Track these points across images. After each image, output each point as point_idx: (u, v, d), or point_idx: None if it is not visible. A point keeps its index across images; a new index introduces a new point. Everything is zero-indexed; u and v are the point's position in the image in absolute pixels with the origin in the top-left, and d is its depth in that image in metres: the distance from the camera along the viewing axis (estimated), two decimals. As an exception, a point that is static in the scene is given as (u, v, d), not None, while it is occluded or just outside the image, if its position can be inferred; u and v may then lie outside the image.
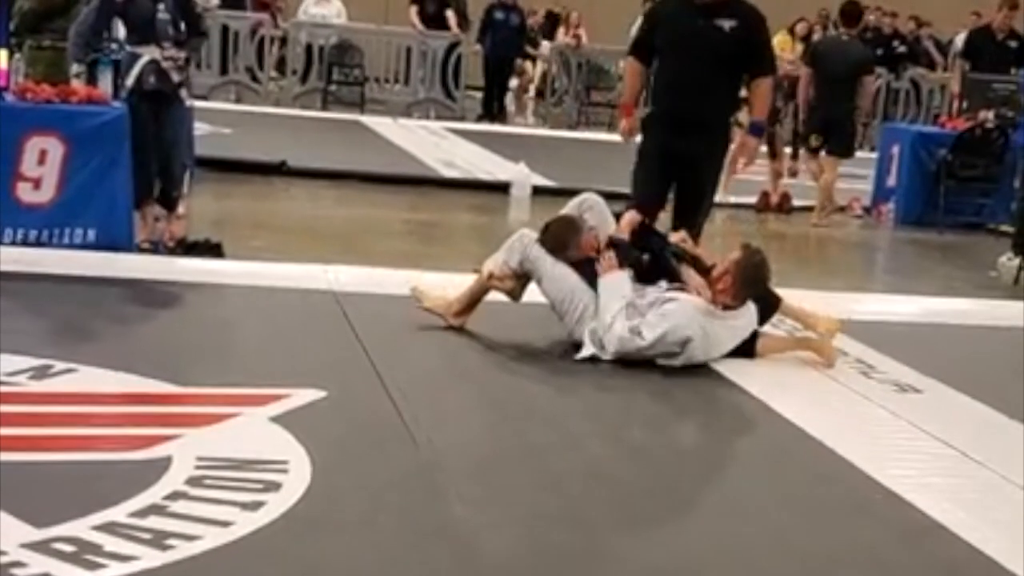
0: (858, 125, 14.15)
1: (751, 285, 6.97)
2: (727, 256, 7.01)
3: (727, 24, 7.69)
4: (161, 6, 8.32)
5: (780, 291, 7.53)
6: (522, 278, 7.11)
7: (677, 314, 6.69)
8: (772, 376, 6.78)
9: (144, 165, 8.50)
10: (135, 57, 8.37)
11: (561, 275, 6.94)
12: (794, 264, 10.54)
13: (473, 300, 7.16)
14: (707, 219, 8.22)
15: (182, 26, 8.40)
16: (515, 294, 7.17)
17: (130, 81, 8.38)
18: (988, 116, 13.06)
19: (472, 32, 20.14)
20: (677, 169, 7.86)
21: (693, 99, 7.75)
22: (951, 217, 12.74)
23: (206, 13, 8.84)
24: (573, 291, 6.90)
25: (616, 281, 6.86)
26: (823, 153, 12.84)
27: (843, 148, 12.95)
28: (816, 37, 18.77)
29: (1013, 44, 14.60)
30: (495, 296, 7.57)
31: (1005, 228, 12.14)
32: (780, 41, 17.49)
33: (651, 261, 7.07)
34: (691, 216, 7.90)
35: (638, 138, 8.15)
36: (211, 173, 10.08)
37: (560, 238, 7.09)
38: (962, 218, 12.79)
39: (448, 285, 7.36)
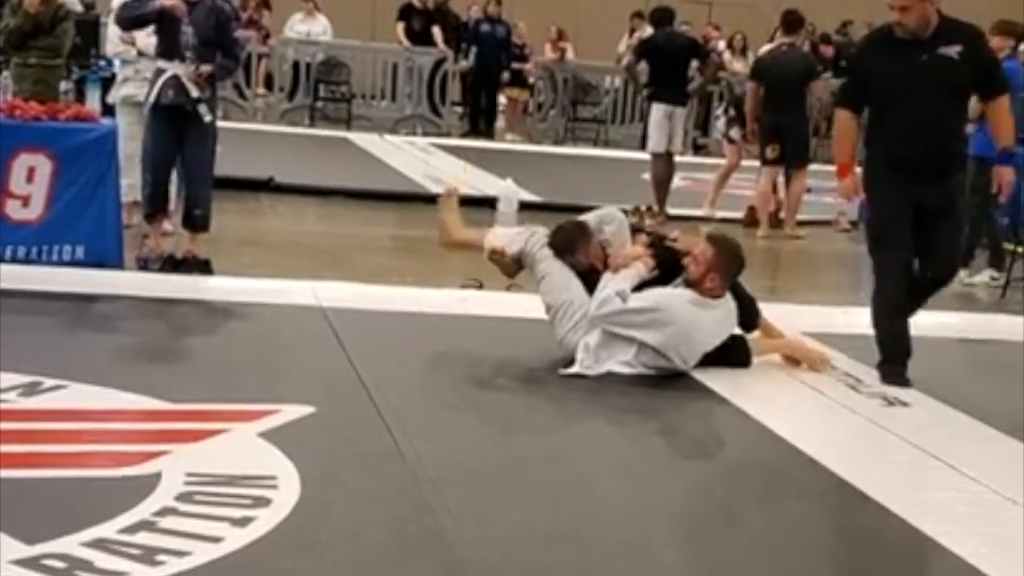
0: (810, 132, 14.28)
1: (734, 272, 7.09)
2: (696, 256, 6.99)
3: (953, 51, 6.90)
4: (188, 21, 8.29)
5: (768, 306, 7.59)
6: (519, 263, 7.15)
7: (665, 296, 6.83)
8: (761, 390, 6.81)
9: (160, 181, 8.50)
10: (160, 72, 8.38)
11: (563, 279, 6.97)
12: (781, 278, 10.58)
13: (466, 246, 7.39)
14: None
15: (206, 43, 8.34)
16: (510, 271, 7.22)
17: (152, 95, 8.39)
18: (969, 130, 13.07)
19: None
20: (926, 218, 6.96)
21: (935, 142, 6.94)
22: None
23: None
24: (572, 298, 6.91)
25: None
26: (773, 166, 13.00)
27: (803, 156, 13.12)
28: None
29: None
30: (483, 311, 7.61)
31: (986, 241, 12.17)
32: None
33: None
34: (953, 264, 7.34)
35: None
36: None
37: (569, 240, 7.11)
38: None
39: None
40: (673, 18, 13.87)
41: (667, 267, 7.06)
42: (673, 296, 6.86)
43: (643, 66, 13.80)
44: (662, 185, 13.46)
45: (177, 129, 8.36)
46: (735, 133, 13.83)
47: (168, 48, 8.34)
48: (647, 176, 15.11)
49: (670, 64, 13.29)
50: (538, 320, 7.17)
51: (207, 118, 8.37)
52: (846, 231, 13.54)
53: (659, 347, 6.74)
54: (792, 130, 12.86)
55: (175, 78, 8.29)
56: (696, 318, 6.83)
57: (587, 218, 7.35)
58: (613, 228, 7.25)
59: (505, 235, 7.25)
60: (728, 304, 7.03)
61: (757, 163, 13.82)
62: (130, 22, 8.59)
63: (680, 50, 13.54)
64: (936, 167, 6.93)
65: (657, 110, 13.31)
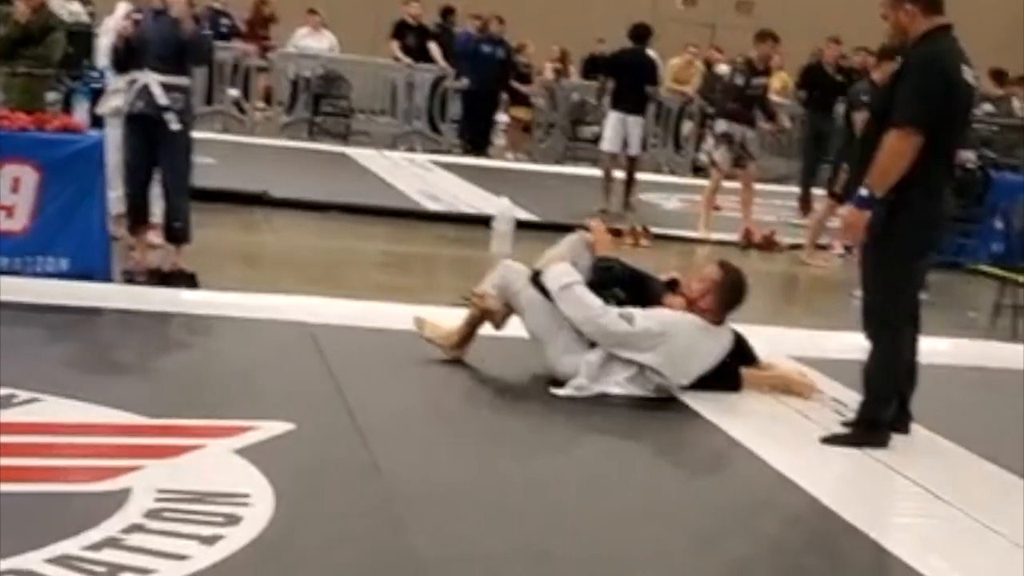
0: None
1: (732, 303, 7.05)
2: (704, 275, 7.02)
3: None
4: (157, 30, 8.33)
5: (758, 329, 7.54)
6: (507, 305, 7.09)
7: (670, 317, 6.86)
8: (747, 415, 6.78)
9: (138, 192, 8.51)
10: (133, 82, 8.41)
11: (547, 306, 6.91)
12: (772, 302, 10.54)
13: (470, 331, 7.15)
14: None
15: (179, 50, 8.36)
16: (496, 320, 7.12)
17: (125, 106, 8.43)
18: (969, 157, 13.08)
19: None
20: None
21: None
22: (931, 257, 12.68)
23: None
24: (560, 324, 6.86)
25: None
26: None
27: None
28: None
29: (840, 77, 16.62)
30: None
31: (985, 268, 12.15)
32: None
33: (635, 290, 7.10)
34: (866, 322, 6.38)
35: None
36: (191, 203, 9.99)
37: None
38: (942, 258, 12.74)
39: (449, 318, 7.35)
40: (650, 35, 15.33)
41: (633, 289, 7.10)
42: (681, 321, 6.87)
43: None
44: (610, 182, 15.12)
45: (150, 140, 8.36)
46: (719, 155, 13.79)
47: (139, 59, 8.38)
48: (644, 197, 15.44)
49: (632, 80, 15.08)
50: (527, 339, 7.12)
51: (173, 126, 8.33)
52: (841, 255, 13.49)
53: (658, 367, 6.73)
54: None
55: (145, 88, 8.33)
56: (698, 344, 6.87)
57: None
58: (585, 260, 7.24)
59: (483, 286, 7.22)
60: (728, 336, 7.06)
61: (738, 184, 13.89)
62: (116, 63, 8.70)
63: (643, 69, 15.22)
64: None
65: (615, 116, 15.09)
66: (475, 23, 20.54)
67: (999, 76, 18.16)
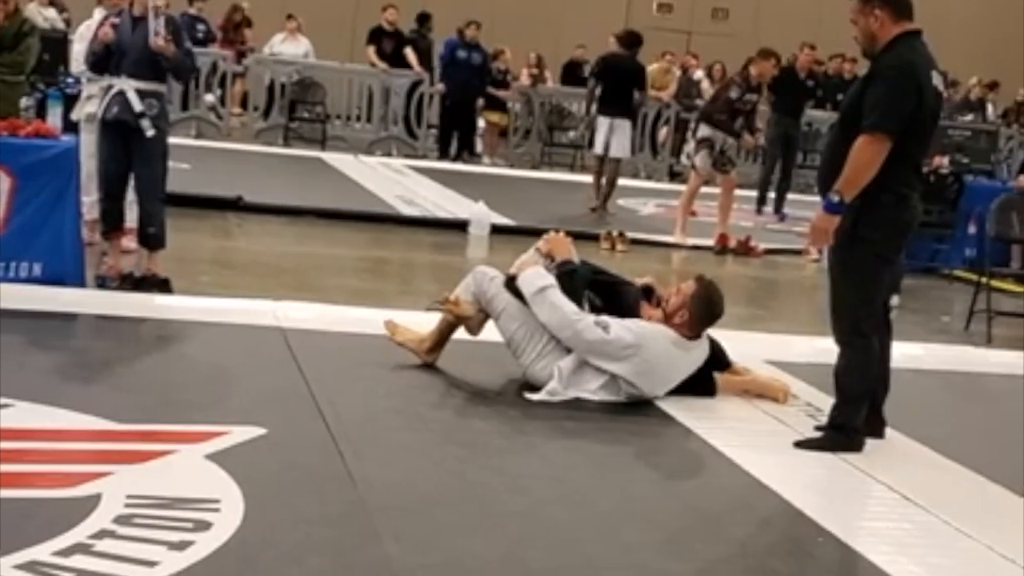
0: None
1: (708, 319, 7.03)
2: (680, 289, 7.02)
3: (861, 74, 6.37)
4: (138, 36, 8.31)
5: (734, 334, 7.54)
6: (483, 311, 7.07)
7: (646, 329, 6.83)
8: (722, 419, 6.77)
9: (113, 198, 8.49)
10: (109, 88, 8.40)
11: (523, 311, 6.90)
12: (745, 306, 10.54)
13: (442, 336, 7.12)
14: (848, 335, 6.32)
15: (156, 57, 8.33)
16: (472, 325, 7.11)
17: (99, 111, 8.42)
18: (943, 162, 13.13)
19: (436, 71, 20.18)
20: None
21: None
22: (906, 262, 12.68)
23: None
24: (532, 329, 6.86)
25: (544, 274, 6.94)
26: None
27: None
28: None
29: (811, 83, 17.29)
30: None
31: (959, 273, 12.23)
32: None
33: (610, 297, 7.09)
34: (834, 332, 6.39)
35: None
36: (166, 208, 10.00)
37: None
38: (916, 263, 12.78)
39: (420, 322, 7.31)
40: (640, 43, 15.67)
41: (608, 296, 7.10)
42: (656, 334, 6.85)
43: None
44: (598, 182, 15.56)
45: (126, 145, 8.33)
46: (699, 160, 13.77)
47: (116, 64, 8.36)
48: (621, 202, 15.71)
49: (618, 84, 15.41)
50: (500, 343, 7.11)
51: (149, 132, 8.31)
52: (816, 260, 13.52)
53: (630, 377, 6.73)
54: None
55: (120, 94, 8.31)
56: (672, 359, 6.87)
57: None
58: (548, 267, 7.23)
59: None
60: (704, 350, 7.06)
61: (717, 189, 13.93)
62: (94, 66, 8.69)
63: (629, 73, 15.52)
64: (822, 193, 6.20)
65: (603, 122, 15.48)
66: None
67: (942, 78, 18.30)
